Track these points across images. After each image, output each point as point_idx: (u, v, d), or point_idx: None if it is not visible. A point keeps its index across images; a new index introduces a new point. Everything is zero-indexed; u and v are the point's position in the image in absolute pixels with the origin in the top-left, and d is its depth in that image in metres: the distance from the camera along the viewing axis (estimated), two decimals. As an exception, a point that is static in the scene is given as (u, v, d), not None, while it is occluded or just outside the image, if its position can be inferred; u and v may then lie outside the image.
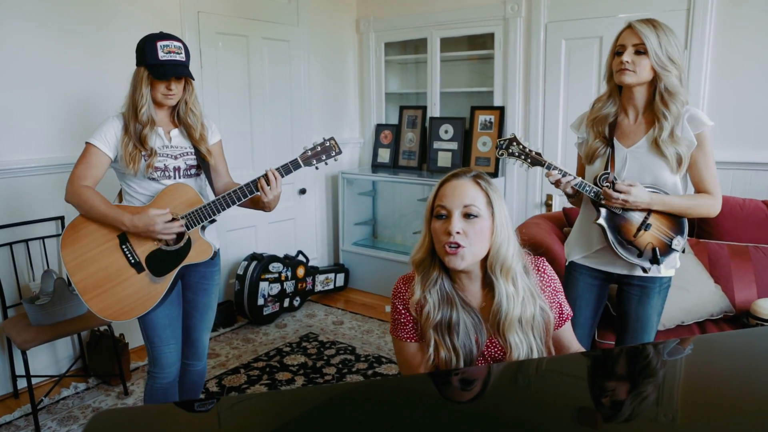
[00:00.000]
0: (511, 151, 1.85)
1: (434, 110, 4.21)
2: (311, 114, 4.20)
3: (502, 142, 1.87)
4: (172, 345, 2.06)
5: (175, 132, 2.06)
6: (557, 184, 1.83)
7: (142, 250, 1.95)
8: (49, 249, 2.90)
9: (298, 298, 3.86)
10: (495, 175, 3.91)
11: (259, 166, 3.81)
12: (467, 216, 1.36)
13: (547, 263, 1.53)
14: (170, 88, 1.96)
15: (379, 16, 4.37)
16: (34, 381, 2.78)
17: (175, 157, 2.04)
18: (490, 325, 1.42)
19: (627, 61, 1.76)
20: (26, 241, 2.82)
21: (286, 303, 3.77)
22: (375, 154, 4.51)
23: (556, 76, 3.65)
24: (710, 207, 1.85)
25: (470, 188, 1.38)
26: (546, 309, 1.44)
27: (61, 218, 2.92)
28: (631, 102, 1.87)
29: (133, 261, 1.95)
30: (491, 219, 1.38)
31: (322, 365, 3.10)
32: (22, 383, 2.85)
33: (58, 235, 2.92)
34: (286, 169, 1.99)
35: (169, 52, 1.92)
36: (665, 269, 1.88)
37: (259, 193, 1.97)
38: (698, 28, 3.12)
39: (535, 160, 1.84)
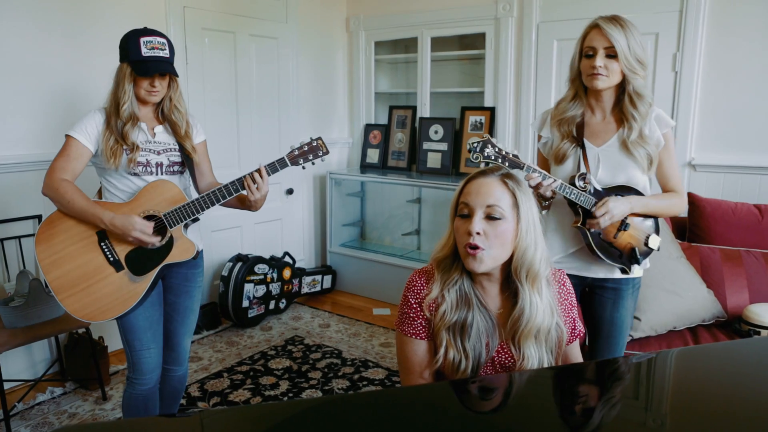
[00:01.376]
0: (486, 154, 1.73)
1: (424, 110, 4.16)
2: (299, 113, 4.13)
3: (475, 145, 1.74)
4: (152, 349, 1.98)
5: (159, 128, 2.00)
6: (537, 187, 1.76)
7: (122, 247, 1.88)
8: (25, 249, 2.80)
9: (284, 300, 3.78)
10: (485, 176, 3.86)
11: (245, 166, 3.74)
12: (489, 217, 1.30)
13: (566, 276, 1.47)
14: (154, 85, 1.90)
15: (369, 14, 4.31)
16: (8, 385, 2.68)
17: (158, 153, 1.97)
18: (507, 332, 1.36)
19: (600, 66, 1.72)
20: (1, 240, 2.72)
21: (271, 305, 3.70)
22: (364, 155, 4.45)
23: (547, 76, 3.61)
24: (679, 206, 1.88)
25: (496, 188, 1.31)
26: (561, 325, 1.38)
27: (39, 217, 2.82)
28: (599, 103, 1.85)
29: (111, 259, 1.87)
30: (516, 221, 1.31)
31: (308, 369, 3.03)
32: (-4, 387, 2.75)
33: (34, 235, 2.82)
34: (273, 168, 1.93)
35: (153, 48, 1.85)
36: (638, 270, 1.88)
37: (244, 191, 1.91)
38: (691, 30, 3.10)
39: (513, 162, 1.74)
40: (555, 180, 1.76)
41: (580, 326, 1.49)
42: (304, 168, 2.01)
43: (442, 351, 1.34)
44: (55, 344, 2.97)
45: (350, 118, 4.57)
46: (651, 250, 1.87)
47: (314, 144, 1.98)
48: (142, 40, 1.85)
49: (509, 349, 1.36)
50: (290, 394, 2.77)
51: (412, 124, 4.24)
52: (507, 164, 1.73)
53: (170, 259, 1.91)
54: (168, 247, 1.91)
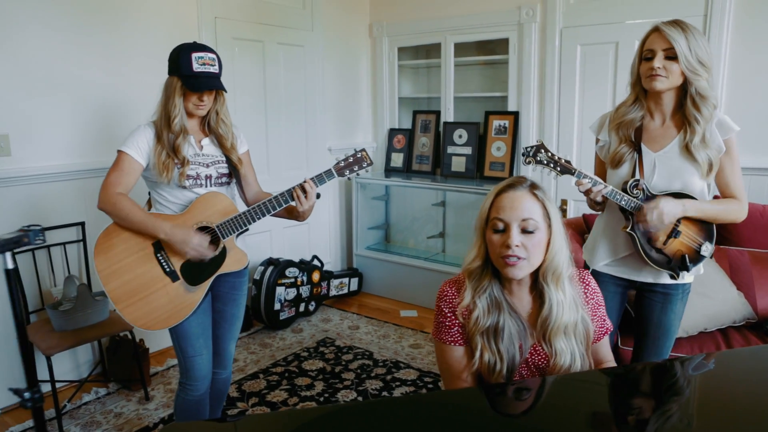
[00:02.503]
0: (539, 158, 1.79)
1: (448, 115, 4.22)
2: (325, 118, 4.21)
3: (528, 150, 1.79)
4: (204, 355, 2.06)
5: (206, 140, 2.07)
6: (587, 192, 1.80)
7: (177, 258, 1.95)
8: (70, 254, 2.91)
9: (313, 303, 3.87)
10: (509, 179, 3.92)
11: (274, 171, 3.83)
12: (525, 230, 1.37)
13: (591, 277, 1.54)
14: (202, 100, 1.96)
15: (392, 20, 4.38)
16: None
17: (207, 165, 2.04)
18: (538, 331, 1.43)
19: (658, 67, 1.72)
20: (48, 246, 2.83)
21: (301, 308, 3.78)
22: (388, 159, 4.52)
23: (571, 81, 3.66)
24: (738, 212, 1.85)
25: (527, 200, 1.38)
26: (587, 319, 1.45)
27: (82, 224, 2.93)
28: (658, 107, 1.84)
29: (167, 270, 1.95)
30: (548, 230, 1.39)
31: (341, 370, 3.11)
32: (42, 388, 2.86)
33: (79, 241, 2.93)
34: (320, 180, 2.01)
35: (204, 64, 1.92)
36: (689, 276, 1.88)
37: (293, 203, 1.99)
38: (715, 34, 3.14)
39: (564, 168, 1.79)
40: (605, 186, 1.78)
41: (609, 324, 1.55)
42: (349, 179, 2.09)
43: (477, 354, 1.42)
44: (98, 346, 3.08)
45: (374, 122, 4.64)
46: (702, 257, 1.86)
47: (359, 156, 2.05)
48: (194, 55, 1.91)
49: (542, 349, 1.44)
50: (326, 395, 2.85)
51: (436, 128, 4.30)
52: (559, 169, 1.79)
53: (224, 269, 1.99)
54: (221, 257, 1.99)
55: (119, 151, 1.96)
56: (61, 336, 2.57)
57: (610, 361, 1.54)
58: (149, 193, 2.14)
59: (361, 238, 4.44)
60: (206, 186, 2.04)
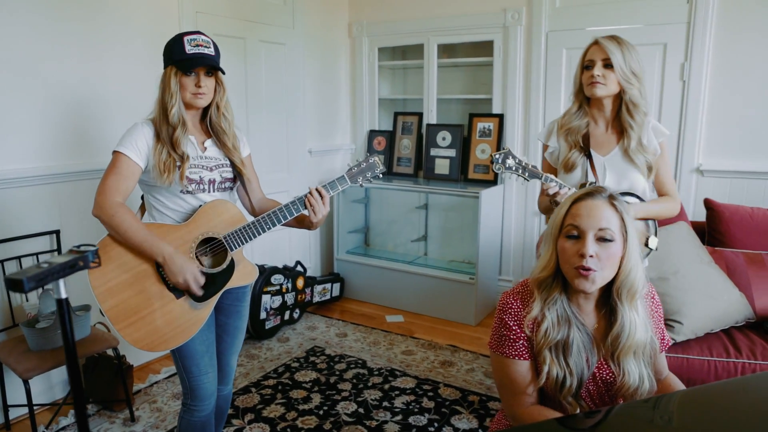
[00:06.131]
0: (507, 165, 1.90)
1: (431, 117, 4.17)
2: (306, 119, 4.08)
3: (497, 157, 1.91)
4: (210, 374, 1.92)
5: (209, 142, 1.92)
6: (555, 195, 1.91)
7: (182, 272, 1.80)
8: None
9: (297, 310, 3.73)
10: (494, 183, 3.91)
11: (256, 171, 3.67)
12: (601, 239, 1.32)
13: (654, 289, 1.51)
14: (200, 85, 1.80)
15: (373, 20, 4.29)
16: (25, 410, 2.56)
17: (210, 169, 1.90)
18: (606, 349, 1.38)
19: (598, 75, 1.92)
20: (18, 258, 2.59)
21: (286, 315, 3.64)
22: (368, 161, 4.42)
23: (557, 84, 3.68)
24: (674, 209, 2.07)
25: (606, 210, 1.34)
26: (655, 339, 1.41)
27: (57, 232, 2.70)
28: (600, 113, 2.04)
29: (171, 285, 1.79)
30: (623, 243, 1.34)
31: (336, 381, 3.00)
32: (14, 413, 2.63)
33: (53, 251, 2.70)
34: (333, 186, 1.91)
35: (197, 45, 1.78)
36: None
37: (305, 211, 1.87)
38: (698, 40, 3.21)
39: (532, 173, 1.91)
40: (571, 188, 1.91)
41: (668, 337, 1.53)
42: (362, 186, 2.00)
43: (545, 369, 1.36)
44: (73, 365, 2.85)
45: (353, 124, 4.54)
46: (651, 250, 2.02)
47: (371, 161, 1.97)
48: (186, 38, 1.78)
49: (608, 366, 1.39)
50: (324, 407, 2.74)
51: (418, 130, 4.24)
52: (527, 174, 1.89)
53: (232, 283, 1.85)
54: (229, 271, 1.85)
55: (115, 152, 1.78)
56: (39, 357, 2.35)
57: (666, 373, 1.51)
58: (142, 197, 1.98)
59: (341, 242, 4.33)
60: (209, 191, 1.90)
